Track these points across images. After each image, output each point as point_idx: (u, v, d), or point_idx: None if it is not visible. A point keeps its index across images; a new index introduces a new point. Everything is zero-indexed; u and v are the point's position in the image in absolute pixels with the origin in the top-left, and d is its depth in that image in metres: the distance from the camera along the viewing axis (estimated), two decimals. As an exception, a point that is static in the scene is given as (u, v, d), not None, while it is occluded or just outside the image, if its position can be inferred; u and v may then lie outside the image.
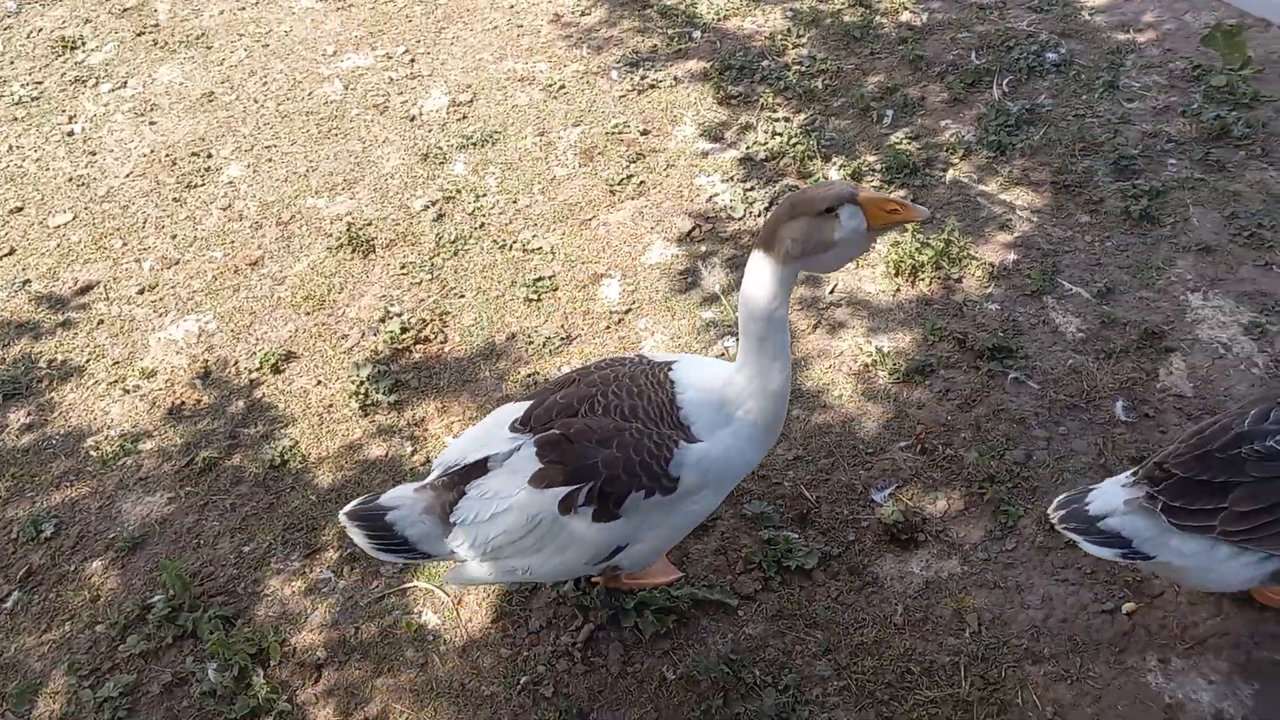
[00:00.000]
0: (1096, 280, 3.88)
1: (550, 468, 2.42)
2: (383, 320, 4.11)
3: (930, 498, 3.25)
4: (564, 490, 2.40)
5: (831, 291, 4.05)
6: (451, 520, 2.52)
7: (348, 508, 2.66)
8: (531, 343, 3.97)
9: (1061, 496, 2.68)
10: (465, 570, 2.61)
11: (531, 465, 2.45)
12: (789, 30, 5.48)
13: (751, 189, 4.55)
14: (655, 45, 5.55)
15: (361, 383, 3.82)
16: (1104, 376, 3.52)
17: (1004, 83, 4.91)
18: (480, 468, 2.53)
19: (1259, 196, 4.09)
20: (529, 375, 3.84)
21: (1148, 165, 4.34)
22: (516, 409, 2.60)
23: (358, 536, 2.60)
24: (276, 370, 3.98)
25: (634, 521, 2.46)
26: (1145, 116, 4.58)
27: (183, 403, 3.91)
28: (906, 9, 5.50)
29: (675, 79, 5.29)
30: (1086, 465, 3.27)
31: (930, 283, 3.99)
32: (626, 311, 4.08)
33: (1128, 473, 2.61)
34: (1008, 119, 4.63)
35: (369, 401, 3.79)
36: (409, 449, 3.63)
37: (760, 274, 2.26)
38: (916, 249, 4.02)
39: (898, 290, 4.00)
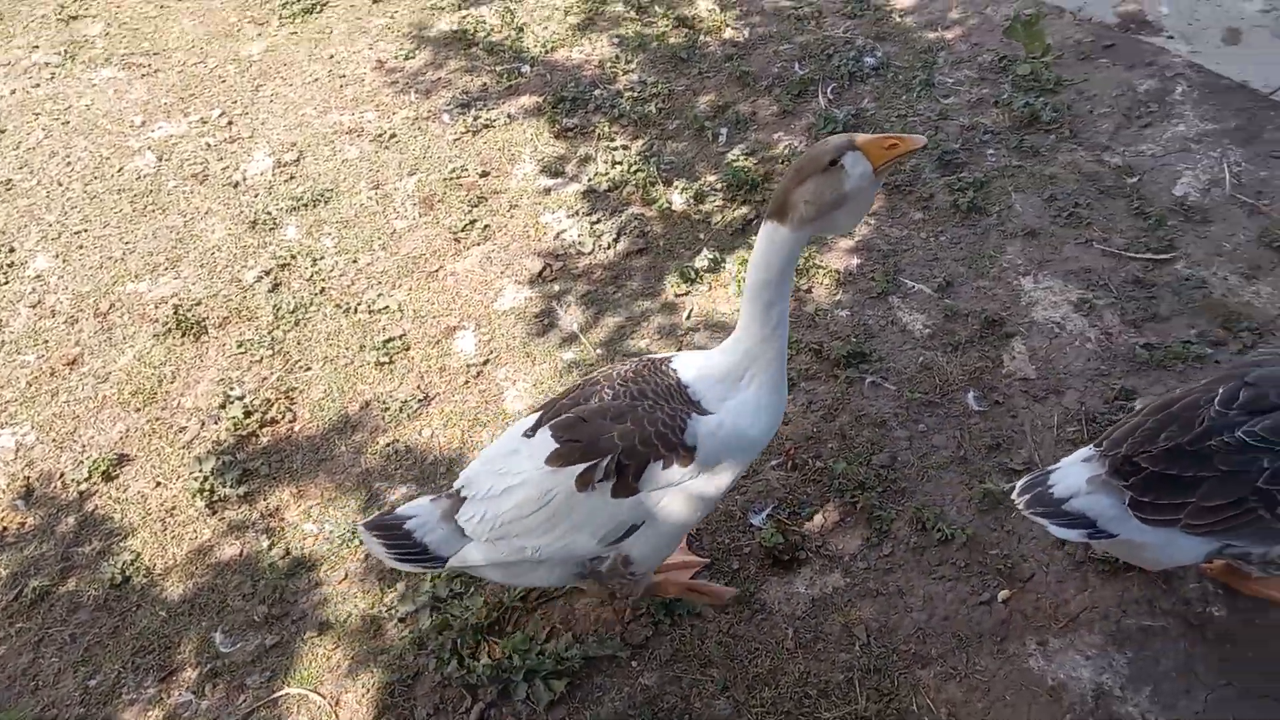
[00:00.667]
0: (936, 275, 4.01)
1: (567, 446, 2.45)
2: (223, 406, 3.86)
3: (806, 514, 3.26)
4: (581, 466, 2.41)
5: (688, 317, 4.04)
6: (462, 494, 2.56)
7: (365, 520, 2.67)
8: (387, 408, 3.80)
9: (1024, 480, 2.65)
10: (468, 553, 2.57)
11: (547, 446, 2.47)
12: (617, 57, 5.48)
13: (598, 222, 4.51)
14: (485, 84, 5.45)
15: (205, 478, 3.57)
16: (954, 369, 3.63)
17: (828, 90, 5.04)
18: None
19: (1073, 177, 4.32)
20: (389, 444, 3.67)
21: (970, 158, 4.52)
22: (527, 422, 2.63)
23: (375, 546, 2.61)
24: (108, 477, 3.67)
25: (650, 497, 2.46)
26: (962, 110, 4.78)
27: (4, 528, 3.56)
28: (729, 26, 5.59)
29: (509, 116, 5.20)
30: (948, 459, 3.35)
31: (782, 296, 4.03)
32: (484, 363, 3.96)
33: (1088, 448, 2.60)
34: (836, 125, 4.74)
35: (216, 497, 3.53)
36: (266, 543, 3.40)
37: (774, 243, 2.27)
38: (764, 264, 4.05)
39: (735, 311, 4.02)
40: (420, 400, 3.82)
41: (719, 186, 4.60)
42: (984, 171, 4.42)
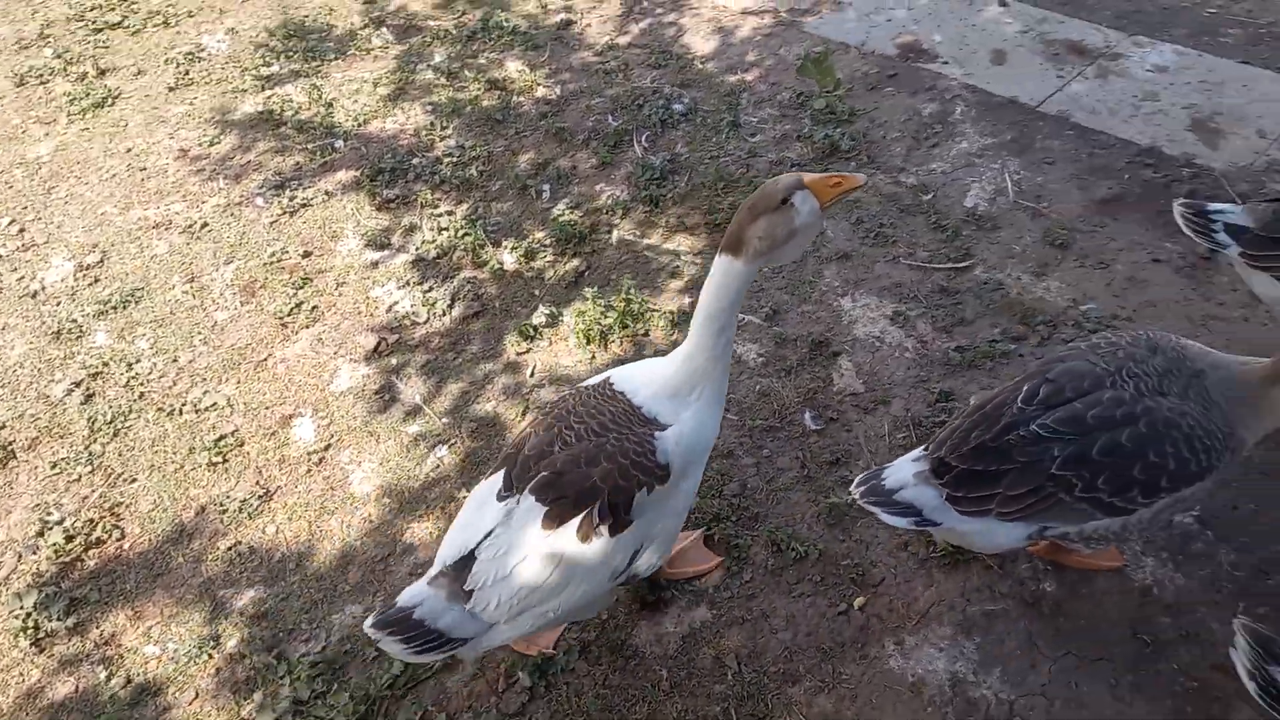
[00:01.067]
0: (764, 305, 4.18)
1: (557, 506, 2.50)
2: (41, 534, 3.57)
3: (667, 554, 3.31)
4: (576, 520, 2.49)
5: (532, 374, 4.05)
6: (466, 588, 2.51)
7: (370, 621, 2.52)
8: (225, 510, 3.62)
9: (862, 475, 2.79)
10: (494, 637, 2.59)
11: (536, 512, 2.51)
12: (432, 124, 5.49)
13: (430, 290, 4.48)
14: (298, 162, 5.34)
15: (28, 614, 3.29)
16: (789, 393, 3.78)
17: (643, 139, 5.21)
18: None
19: (875, 200, 4.62)
20: (230, 548, 3.49)
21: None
22: (492, 484, 2.64)
23: (393, 646, 2.50)
24: (-89, 631, 3.33)
25: (644, 521, 2.58)
26: (769, 147, 5.04)
27: None
28: (540, 85, 5.71)
29: (327, 193, 5.11)
30: (794, 480, 3.48)
31: (621, 343, 4.11)
32: (325, 448, 3.84)
33: (920, 448, 2.75)
34: (654, 173, 4.91)
35: (42, 634, 3.26)
36: (103, 674, 3.15)
37: (729, 276, 2.43)
38: (601, 314, 4.12)
39: (593, 358, 4.08)
40: (260, 496, 3.66)
41: (548, 242, 4.66)
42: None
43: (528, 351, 4.17)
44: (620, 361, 4.02)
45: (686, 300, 4.26)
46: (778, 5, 6.13)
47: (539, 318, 4.24)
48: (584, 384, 2.78)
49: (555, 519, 2.49)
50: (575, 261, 4.56)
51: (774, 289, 4.27)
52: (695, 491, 2.76)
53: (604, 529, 2.50)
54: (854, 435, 3.58)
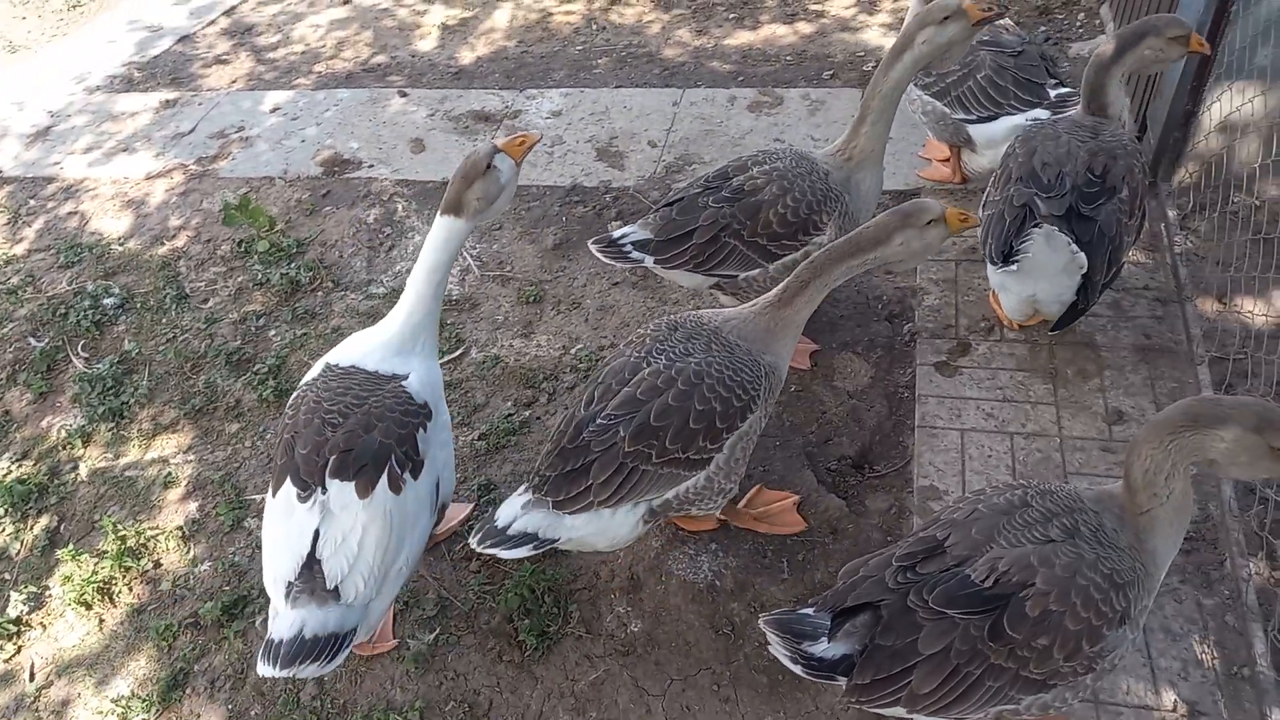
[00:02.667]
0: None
1: (360, 476, 2.70)
2: None
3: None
4: (384, 476, 2.71)
5: (32, 678, 3.31)
6: (330, 587, 2.61)
7: (270, 671, 2.52)
8: None
9: (475, 528, 2.81)
10: (371, 617, 2.73)
11: (348, 491, 2.69)
12: None
13: None
14: None
15: None
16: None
17: (79, 350, 4.56)
18: (314, 544, 2.64)
19: (355, 323, 4.47)
20: None
21: (256, 348, 4.44)
22: (284, 496, 2.73)
23: (312, 669, 2.55)
24: None
25: (431, 456, 2.89)
26: (227, 306, 4.68)
27: None
28: (-72, 333, 4.74)
29: None
30: (373, 647, 3.22)
31: (132, 587, 3.53)
32: None
33: (523, 487, 2.84)
34: (105, 383, 4.30)
35: None
36: None
37: (450, 233, 2.93)
38: (93, 569, 3.51)
39: (100, 622, 3.45)
40: None
41: (2, 512, 3.86)
42: (274, 355, 4.37)
43: (18, 652, 3.42)
44: (138, 611, 3.46)
45: (193, 506, 3.79)
46: (182, 160, 5.74)
47: (15, 608, 3.49)
48: (305, 380, 3.03)
49: (368, 487, 2.69)
50: (44, 520, 3.84)
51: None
52: (448, 424, 3.10)
53: (408, 475, 2.78)
54: (414, 570, 3.42)
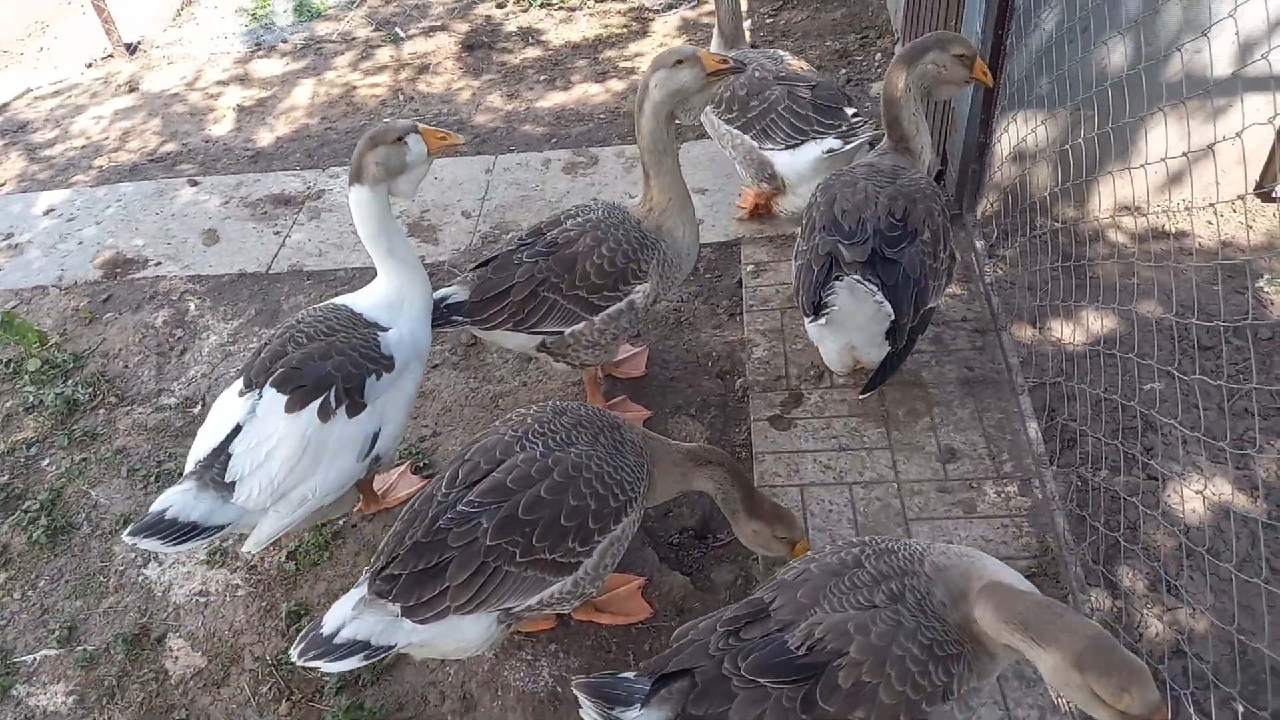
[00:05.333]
0: (54, 628, 3.33)
1: (295, 393, 2.81)
2: None
3: None
4: (317, 401, 2.81)
5: None
6: (228, 479, 2.73)
7: (127, 531, 2.65)
8: None
9: (299, 636, 2.44)
10: (262, 529, 2.80)
11: (279, 401, 2.80)
12: None
13: None
14: None
15: None
16: (120, 723, 3.03)
17: None
18: (232, 438, 2.78)
19: (143, 440, 3.99)
20: None
21: (27, 482, 3.90)
22: (233, 389, 2.92)
23: (152, 544, 2.65)
24: None
25: (377, 406, 2.96)
26: (-8, 438, 4.11)
27: None
28: None
29: None
30: None
31: None
32: None
33: (361, 580, 2.49)
34: None
35: None
36: None
37: (360, 202, 2.94)
38: None
39: None
40: None
41: None
42: (48, 488, 3.84)
43: None
44: None
45: (-54, 683, 3.22)
46: (-64, 276, 5.10)
47: None
48: (319, 306, 3.11)
49: (297, 404, 2.78)
50: None
51: (62, 600, 3.44)
52: (419, 380, 3.19)
53: (341, 411, 2.84)
54: (213, 725, 2.99)
